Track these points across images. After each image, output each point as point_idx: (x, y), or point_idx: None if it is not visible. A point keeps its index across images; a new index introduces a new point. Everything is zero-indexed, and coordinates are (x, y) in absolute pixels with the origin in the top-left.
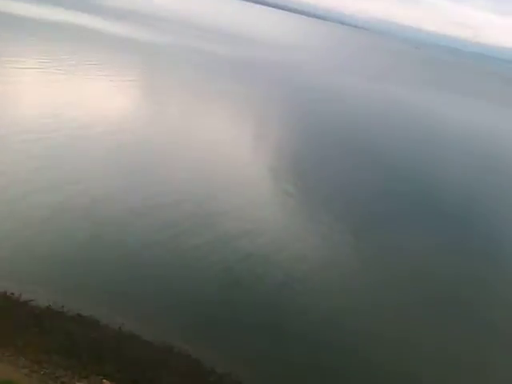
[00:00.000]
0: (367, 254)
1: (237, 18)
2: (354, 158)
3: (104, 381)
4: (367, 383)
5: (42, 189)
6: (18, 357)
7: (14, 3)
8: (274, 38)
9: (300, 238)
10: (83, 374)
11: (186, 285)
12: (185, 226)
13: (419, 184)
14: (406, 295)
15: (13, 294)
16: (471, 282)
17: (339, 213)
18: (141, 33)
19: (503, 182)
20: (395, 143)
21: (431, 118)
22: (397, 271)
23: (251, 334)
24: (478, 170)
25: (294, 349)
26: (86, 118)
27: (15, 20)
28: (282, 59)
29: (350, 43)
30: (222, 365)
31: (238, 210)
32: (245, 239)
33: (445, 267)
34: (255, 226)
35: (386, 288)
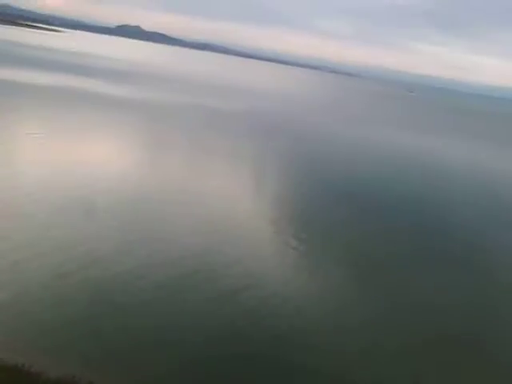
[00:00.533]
0: (373, 304)
1: (232, 73)
2: (355, 207)
3: None
4: None
5: (40, 254)
6: None
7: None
8: (272, 89)
9: (303, 291)
10: None
11: (191, 345)
12: (186, 283)
13: (425, 229)
14: (422, 350)
15: (23, 365)
16: (479, 318)
17: (342, 263)
18: (128, 91)
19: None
20: (397, 189)
21: (432, 162)
22: (406, 322)
23: None
24: (485, 211)
25: None
26: (85, 178)
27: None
28: (275, 110)
29: (344, 91)
30: None
31: (240, 264)
32: (246, 293)
33: (453, 308)
34: (257, 280)
35: (397, 343)
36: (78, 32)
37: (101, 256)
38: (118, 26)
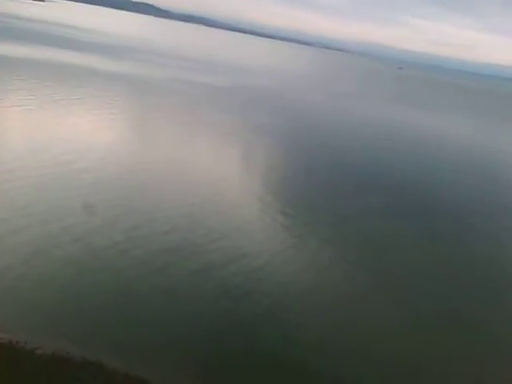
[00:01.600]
0: (363, 278)
1: (220, 47)
2: (348, 183)
3: None
4: None
5: (27, 227)
6: None
7: None
8: (261, 65)
9: (290, 266)
10: None
11: (176, 320)
12: (171, 258)
13: (422, 205)
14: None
15: (18, 342)
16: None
17: (331, 239)
18: (127, 67)
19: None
20: (391, 165)
21: (423, 136)
22: (395, 293)
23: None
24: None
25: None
26: (73, 154)
27: None
28: (268, 85)
29: (333, 66)
30: None
31: (227, 238)
32: (232, 267)
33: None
34: (243, 254)
35: (384, 308)
36: (64, 2)
37: (84, 231)
38: None
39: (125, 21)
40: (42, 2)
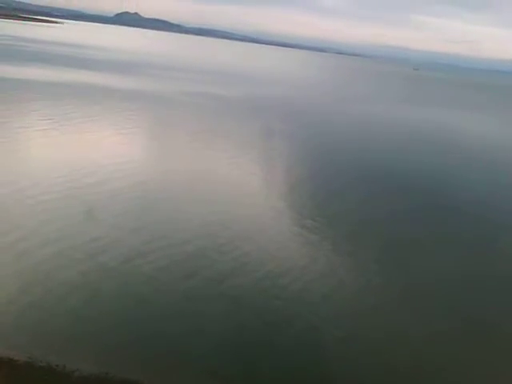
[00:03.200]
0: (387, 285)
1: (232, 58)
2: (371, 186)
3: None
4: None
5: (54, 241)
6: None
7: (12, 68)
8: (274, 74)
9: (311, 270)
10: None
11: (200, 328)
12: (204, 274)
13: (445, 207)
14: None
15: (57, 365)
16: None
17: (352, 242)
18: (141, 83)
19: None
20: (415, 167)
21: (444, 138)
22: (423, 303)
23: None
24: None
25: None
26: (98, 174)
27: (13, 83)
28: (282, 94)
29: (351, 72)
30: None
31: (248, 244)
32: (255, 274)
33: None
34: (266, 261)
35: (408, 315)
36: (78, 23)
37: (108, 242)
38: (117, 15)
39: (138, 37)
40: (57, 24)
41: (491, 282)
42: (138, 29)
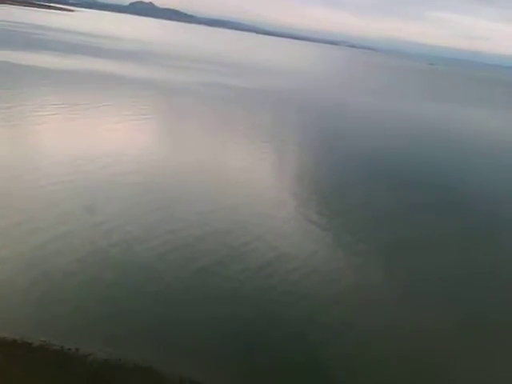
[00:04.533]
0: (397, 279)
1: (246, 50)
2: (381, 181)
3: None
4: None
5: (68, 232)
6: None
7: (25, 54)
8: (287, 66)
9: (326, 264)
10: None
11: (215, 321)
12: (207, 261)
13: (449, 203)
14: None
15: (69, 349)
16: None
17: (364, 238)
18: (154, 72)
19: None
20: (427, 163)
21: (457, 134)
22: (432, 297)
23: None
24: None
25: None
26: (109, 159)
27: (25, 70)
28: (296, 86)
29: (361, 65)
30: None
31: (262, 239)
32: (271, 267)
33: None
34: (280, 255)
35: (423, 317)
36: (92, 11)
37: (122, 235)
38: (131, 4)
39: (151, 27)
40: (71, 12)
41: (496, 277)
42: (151, 18)
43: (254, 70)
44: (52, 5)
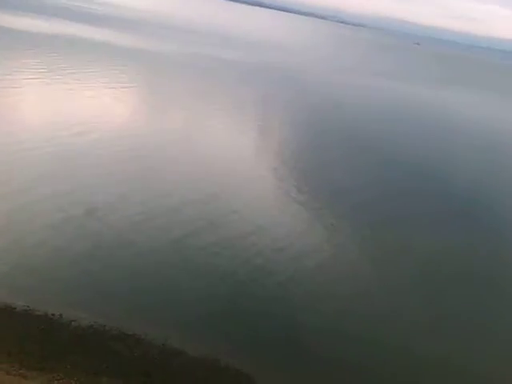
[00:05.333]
0: (375, 254)
1: (234, 21)
2: (362, 158)
3: None
4: None
5: (41, 200)
6: (68, 381)
7: (7, 16)
8: (275, 39)
9: (304, 238)
10: None
11: (192, 291)
12: (182, 232)
13: (435, 183)
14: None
15: (53, 315)
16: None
17: (346, 213)
18: (140, 41)
19: None
20: (407, 141)
21: (445, 114)
22: (406, 271)
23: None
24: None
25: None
26: (86, 126)
27: (9, 33)
28: (283, 61)
29: (350, 41)
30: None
31: (241, 211)
32: (249, 240)
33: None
34: (257, 228)
35: (394, 288)
36: None
37: (99, 204)
38: None
39: None
40: None
41: (497, 273)
42: None
43: (240, 43)
44: None
